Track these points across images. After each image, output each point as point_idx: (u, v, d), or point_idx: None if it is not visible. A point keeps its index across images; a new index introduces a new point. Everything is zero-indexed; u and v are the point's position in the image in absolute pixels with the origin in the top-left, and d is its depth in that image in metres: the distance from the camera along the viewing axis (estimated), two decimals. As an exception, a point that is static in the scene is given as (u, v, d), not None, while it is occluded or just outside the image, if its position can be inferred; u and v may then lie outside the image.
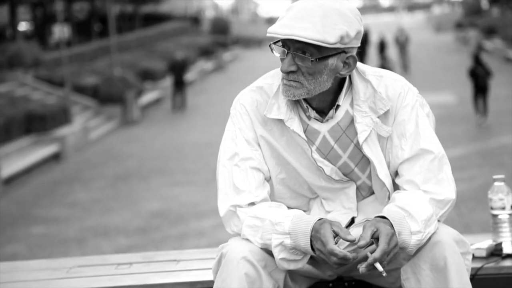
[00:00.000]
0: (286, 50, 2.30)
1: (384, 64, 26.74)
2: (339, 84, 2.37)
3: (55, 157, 15.90)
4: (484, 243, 2.83)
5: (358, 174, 2.41)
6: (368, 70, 2.41)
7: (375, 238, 2.20)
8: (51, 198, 12.11)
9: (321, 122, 2.38)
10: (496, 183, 2.83)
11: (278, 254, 2.26)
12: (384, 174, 2.37)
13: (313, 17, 2.24)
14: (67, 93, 19.82)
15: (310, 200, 2.46)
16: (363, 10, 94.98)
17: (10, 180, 13.60)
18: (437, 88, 22.23)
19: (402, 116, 2.37)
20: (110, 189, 12.40)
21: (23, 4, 32.46)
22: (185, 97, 23.52)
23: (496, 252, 2.81)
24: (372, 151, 2.36)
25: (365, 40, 29.17)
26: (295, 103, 2.39)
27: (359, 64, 2.38)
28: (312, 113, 2.38)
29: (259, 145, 2.41)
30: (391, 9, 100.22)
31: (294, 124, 2.36)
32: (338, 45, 2.25)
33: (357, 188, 2.43)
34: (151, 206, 10.85)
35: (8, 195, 12.75)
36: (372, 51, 31.91)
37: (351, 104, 2.38)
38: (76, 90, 21.36)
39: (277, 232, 2.26)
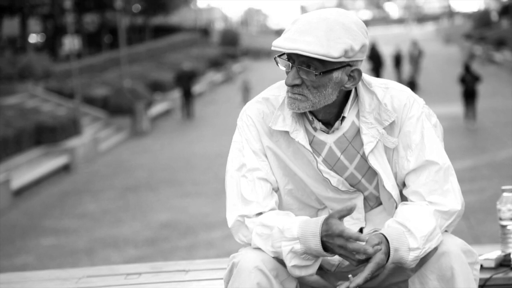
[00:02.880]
0: (290, 64, 2.31)
1: (405, 78, 26.27)
2: (345, 96, 2.38)
3: (65, 168, 15.95)
4: (493, 253, 2.83)
5: (365, 185, 2.42)
6: (374, 81, 2.41)
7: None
8: (61, 209, 12.13)
9: (327, 133, 2.39)
10: (504, 194, 2.83)
11: (290, 261, 2.26)
12: (390, 185, 2.38)
13: (317, 31, 2.25)
14: (77, 105, 19.89)
15: (318, 211, 2.46)
16: (373, 22, 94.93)
17: (20, 191, 13.64)
18: (446, 100, 22.22)
19: (407, 127, 2.37)
20: (119, 200, 12.42)
21: (34, 16, 32.65)
22: (193, 107, 23.55)
23: (505, 262, 2.81)
24: (378, 162, 2.37)
25: (374, 54, 26.30)
26: (301, 115, 2.40)
27: (365, 75, 2.39)
28: (318, 125, 2.38)
29: (266, 156, 2.42)
30: (400, 21, 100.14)
31: (300, 136, 2.36)
32: (342, 59, 2.26)
33: (365, 199, 2.44)
34: (160, 217, 10.85)
35: (18, 206, 12.79)
36: (387, 65, 31.17)
37: (357, 116, 2.38)
38: (86, 101, 21.45)
39: (286, 239, 2.26)
